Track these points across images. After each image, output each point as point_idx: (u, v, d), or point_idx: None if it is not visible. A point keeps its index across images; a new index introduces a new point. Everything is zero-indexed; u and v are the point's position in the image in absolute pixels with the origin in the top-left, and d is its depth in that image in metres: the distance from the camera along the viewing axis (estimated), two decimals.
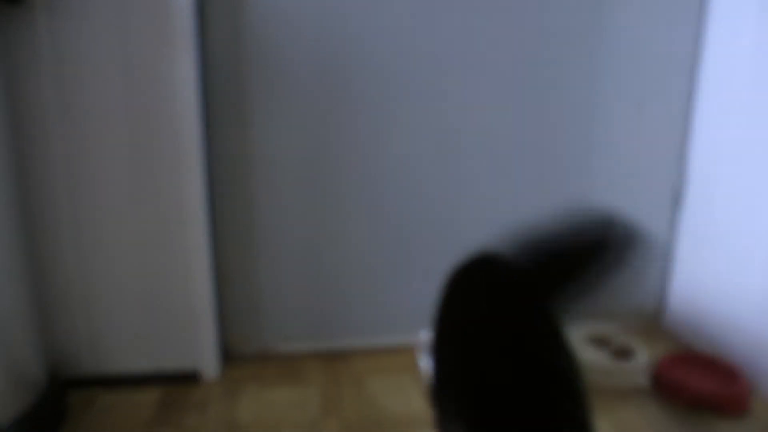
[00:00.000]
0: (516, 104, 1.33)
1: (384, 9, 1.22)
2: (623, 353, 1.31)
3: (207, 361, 1.24)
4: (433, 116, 1.30)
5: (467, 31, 1.27)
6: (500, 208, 1.37)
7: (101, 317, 1.20)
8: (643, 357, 1.27)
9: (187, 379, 1.24)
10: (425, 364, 1.22)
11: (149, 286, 1.19)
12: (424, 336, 1.16)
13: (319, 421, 1.12)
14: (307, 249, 1.33)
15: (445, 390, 0.77)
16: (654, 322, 1.57)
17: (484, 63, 1.29)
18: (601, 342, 1.37)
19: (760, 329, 1.25)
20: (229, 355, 1.34)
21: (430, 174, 1.33)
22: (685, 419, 1.14)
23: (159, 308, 1.20)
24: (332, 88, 1.25)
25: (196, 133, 1.13)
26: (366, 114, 1.27)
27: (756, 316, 1.26)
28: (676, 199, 1.48)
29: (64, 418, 1.11)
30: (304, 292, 1.35)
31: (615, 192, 1.43)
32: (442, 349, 0.81)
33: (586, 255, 0.81)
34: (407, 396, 1.20)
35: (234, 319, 1.34)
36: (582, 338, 1.39)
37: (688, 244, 1.48)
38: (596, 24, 1.32)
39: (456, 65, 1.28)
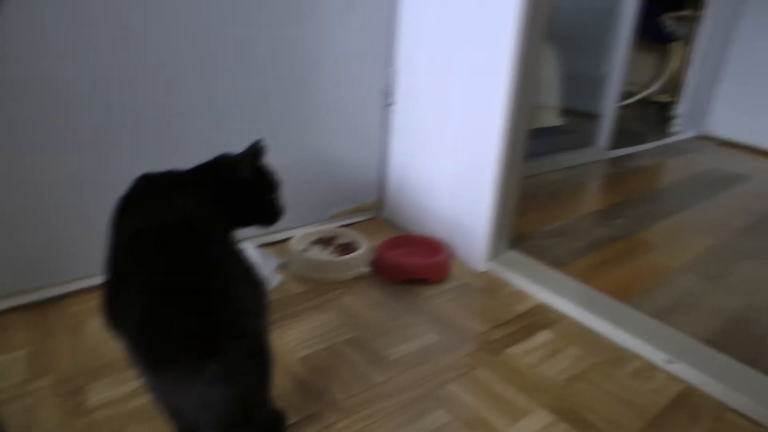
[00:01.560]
0: (221, 13, 1.24)
1: None
2: (346, 248, 1.42)
3: None
4: (126, 25, 1.13)
5: None
6: (210, 127, 1.30)
7: None
8: (365, 248, 1.39)
9: None
10: None
11: None
12: None
13: (27, 384, 0.97)
14: None
15: (115, 314, 0.73)
16: (376, 216, 1.72)
17: None
18: (326, 242, 1.46)
19: (453, 209, 1.47)
20: None
21: (124, 87, 1.18)
22: (399, 293, 1.30)
23: None
24: None
25: None
26: (56, 20, 1.05)
27: (450, 198, 1.48)
28: (388, 101, 1.60)
29: None
30: None
31: (334, 95, 1.48)
32: (110, 263, 0.77)
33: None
34: None
35: None
36: (308, 241, 1.46)
37: (398, 143, 1.63)
38: None
39: None
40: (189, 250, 0.71)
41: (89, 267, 1.23)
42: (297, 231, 1.48)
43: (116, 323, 0.73)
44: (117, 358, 1.03)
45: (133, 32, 1.15)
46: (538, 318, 1.23)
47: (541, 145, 2.31)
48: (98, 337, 1.10)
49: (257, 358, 0.70)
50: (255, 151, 0.91)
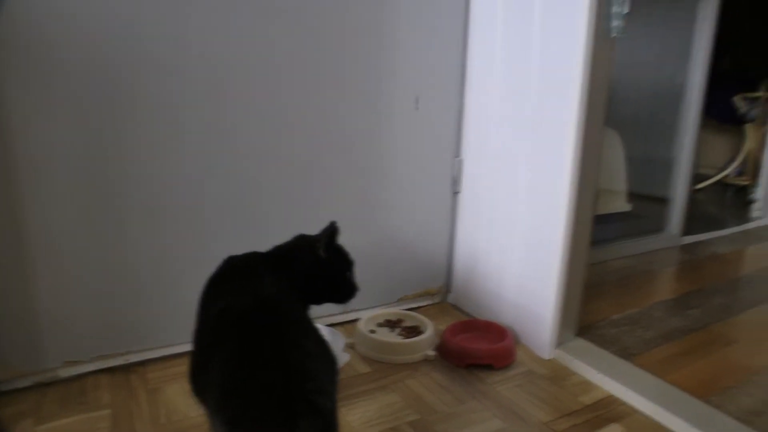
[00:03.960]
0: (300, 106, 1.38)
1: (167, 11, 1.18)
2: (412, 331, 1.45)
3: None
4: (215, 118, 1.29)
5: (250, 32, 1.28)
6: (289, 209, 1.41)
7: None
8: (430, 332, 1.41)
9: None
10: None
11: None
12: None
13: None
14: (84, 260, 1.22)
15: (200, 383, 0.79)
16: (442, 300, 1.75)
17: (266, 65, 1.32)
18: (393, 324, 1.50)
19: (518, 296, 1.48)
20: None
21: (213, 175, 1.31)
22: (464, 377, 1.30)
23: None
24: (108, 88, 1.17)
25: None
26: (144, 115, 1.21)
27: (515, 285, 1.49)
28: (455, 189, 1.67)
29: None
30: (88, 308, 1.24)
31: (405, 183, 1.58)
32: (197, 338, 0.84)
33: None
34: None
35: (4, 350, 1.18)
36: (375, 323, 1.50)
37: (465, 230, 1.68)
38: (375, 25, 1.43)
39: (238, 67, 1.29)
40: (269, 327, 0.77)
41: (169, 337, 1.34)
42: (365, 312, 1.53)
43: (200, 392, 0.80)
44: (192, 424, 1.10)
45: (222, 127, 1.30)
46: (608, 410, 1.19)
47: (608, 231, 2.29)
48: (174, 403, 1.17)
49: None
50: (331, 231, 0.99)
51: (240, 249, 0.98)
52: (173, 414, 1.13)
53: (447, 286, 1.75)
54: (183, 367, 1.29)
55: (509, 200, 1.49)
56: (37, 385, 1.22)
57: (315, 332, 0.81)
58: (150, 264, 1.29)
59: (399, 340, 1.41)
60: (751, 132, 3.43)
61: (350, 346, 1.41)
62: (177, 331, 1.34)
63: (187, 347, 1.33)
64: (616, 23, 1.26)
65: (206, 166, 1.30)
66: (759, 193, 3.01)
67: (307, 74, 1.37)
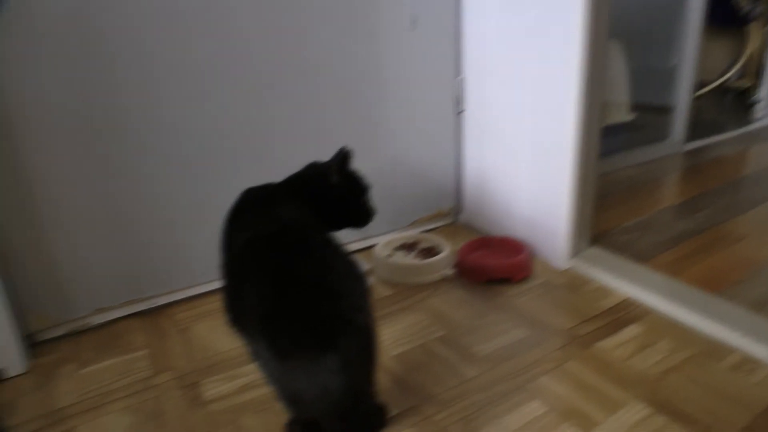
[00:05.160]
0: (297, 35, 1.33)
1: None
2: (429, 252, 1.47)
3: (9, 355, 1.11)
4: (222, 64, 1.25)
5: None
6: (293, 142, 1.40)
7: None
8: (446, 252, 1.43)
9: None
10: None
11: None
12: None
13: (151, 379, 1.09)
14: (101, 212, 1.22)
15: (236, 313, 0.81)
16: (454, 221, 1.77)
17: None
18: (409, 247, 1.52)
19: (531, 210, 1.50)
20: (35, 342, 1.21)
21: (218, 114, 1.29)
22: (483, 292, 1.34)
23: None
24: (99, 31, 1.13)
25: None
26: (144, 57, 1.18)
27: (527, 199, 1.50)
28: (459, 108, 1.65)
29: None
30: (108, 257, 1.25)
31: (408, 106, 1.56)
32: (227, 270, 0.85)
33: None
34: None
35: (34, 302, 1.20)
36: (392, 247, 1.52)
37: (472, 149, 1.67)
38: None
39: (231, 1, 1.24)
40: (299, 251, 0.79)
41: (191, 278, 1.37)
42: (380, 238, 1.55)
43: (238, 322, 0.82)
44: (224, 358, 1.14)
45: (227, 64, 1.27)
46: (626, 312, 1.23)
47: (613, 143, 2.28)
48: (205, 339, 1.21)
49: (369, 351, 0.76)
50: (342, 157, 0.99)
51: (253, 184, 0.98)
52: (206, 350, 1.17)
53: (458, 206, 1.76)
54: (208, 306, 1.34)
55: (516, 115, 1.48)
56: (72, 333, 1.25)
57: (343, 252, 0.83)
58: (163, 209, 1.29)
59: (417, 261, 1.43)
60: (754, 32, 3.34)
61: (370, 272, 1.44)
62: (198, 272, 1.36)
63: (209, 287, 1.38)
64: None
65: (210, 105, 1.27)
66: (762, 93, 2.97)
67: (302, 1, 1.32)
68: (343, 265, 0.80)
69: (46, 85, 1.11)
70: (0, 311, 1.08)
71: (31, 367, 1.15)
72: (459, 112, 1.65)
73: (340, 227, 1.01)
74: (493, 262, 1.39)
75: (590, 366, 1.06)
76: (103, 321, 1.28)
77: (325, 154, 1.04)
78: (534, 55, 1.38)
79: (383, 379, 1.04)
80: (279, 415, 0.93)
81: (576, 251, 1.44)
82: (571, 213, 1.39)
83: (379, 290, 1.37)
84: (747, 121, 2.96)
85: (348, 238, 0.99)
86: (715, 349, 1.10)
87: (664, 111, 2.48)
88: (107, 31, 1.13)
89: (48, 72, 1.10)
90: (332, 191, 0.99)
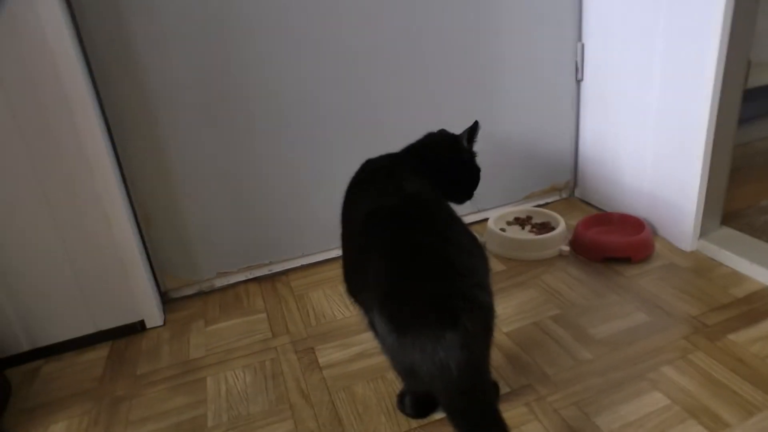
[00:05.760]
0: (411, 5, 1.32)
1: None
2: (543, 227, 1.42)
3: (148, 308, 1.23)
4: (333, 36, 1.27)
5: None
6: (409, 113, 1.39)
7: (26, 292, 1.13)
8: (561, 227, 1.38)
9: (132, 330, 1.23)
10: None
11: (70, 247, 1.13)
12: None
13: (270, 341, 1.16)
14: (226, 181, 1.30)
15: (355, 283, 0.82)
16: (569, 196, 1.69)
17: None
18: (522, 222, 1.47)
19: (654, 185, 1.39)
20: (168, 299, 1.34)
21: (334, 90, 1.31)
22: (601, 271, 1.27)
23: (85, 267, 1.15)
24: (224, 23, 1.18)
25: (82, 81, 1.04)
26: (265, 39, 1.22)
27: (651, 174, 1.39)
28: (578, 77, 1.55)
29: (7, 394, 1.08)
30: (232, 224, 1.34)
31: (523, 77, 1.50)
32: (348, 241, 0.86)
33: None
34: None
35: (167, 263, 1.32)
36: (505, 221, 1.49)
37: (590, 120, 1.57)
38: None
39: None
40: (422, 225, 0.78)
41: (306, 247, 1.43)
42: (493, 212, 1.52)
43: (356, 291, 0.83)
44: (339, 326, 1.18)
45: (343, 39, 1.28)
46: (763, 303, 1.12)
47: (753, 108, 2.04)
48: (320, 307, 1.26)
49: (488, 329, 0.75)
50: (472, 129, 0.99)
51: (368, 155, 0.98)
52: (321, 317, 1.22)
53: (573, 181, 1.68)
54: (322, 274, 1.39)
55: (641, 81, 1.36)
56: (199, 294, 1.36)
57: (465, 227, 0.81)
58: (282, 181, 1.35)
59: (531, 236, 1.39)
60: None
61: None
62: (313, 242, 1.42)
63: (324, 256, 1.43)
64: None
65: (326, 82, 1.30)
66: None
67: None
68: (467, 240, 0.79)
69: (179, 65, 1.18)
70: (143, 271, 1.20)
71: (167, 321, 1.26)
72: (578, 81, 1.55)
73: (458, 198, 1.00)
74: (612, 240, 1.32)
75: (720, 360, 0.98)
76: (225, 284, 1.38)
77: (436, 124, 1.03)
78: (666, 10, 1.25)
79: (496, 356, 1.03)
80: (391, 384, 0.96)
81: (704, 231, 1.32)
82: (702, 188, 1.27)
83: (492, 264, 1.34)
84: None
85: (461, 211, 0.98)
86: None
87: None
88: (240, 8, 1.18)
89: (179, 53, 1.18)
90: (458, 162, 0.98)
